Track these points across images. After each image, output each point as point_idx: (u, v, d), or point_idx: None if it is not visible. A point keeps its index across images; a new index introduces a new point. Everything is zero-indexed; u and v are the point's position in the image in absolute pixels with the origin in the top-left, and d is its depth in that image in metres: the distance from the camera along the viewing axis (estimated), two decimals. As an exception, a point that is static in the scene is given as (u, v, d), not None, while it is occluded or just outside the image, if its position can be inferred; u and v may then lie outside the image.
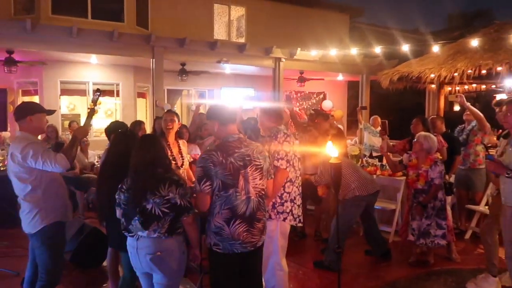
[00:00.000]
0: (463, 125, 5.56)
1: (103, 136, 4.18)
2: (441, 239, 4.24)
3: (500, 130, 5.16)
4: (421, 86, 7.94)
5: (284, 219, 3.19)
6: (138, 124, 4.98)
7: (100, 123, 9.52)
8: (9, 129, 7.71)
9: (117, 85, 10.19)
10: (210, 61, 9.42)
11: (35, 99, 9.34)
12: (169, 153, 3.64)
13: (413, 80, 7.40)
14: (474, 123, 5.30)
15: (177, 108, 12.17)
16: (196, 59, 9.31)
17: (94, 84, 9.74)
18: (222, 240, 2.47)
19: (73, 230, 4.36)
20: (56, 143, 6.23)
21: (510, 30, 6.52)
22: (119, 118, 9.81)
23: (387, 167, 5.48)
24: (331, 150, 2.76)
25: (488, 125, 5.21)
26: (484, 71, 6.23)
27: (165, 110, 4.90)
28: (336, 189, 2.88)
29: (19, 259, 4.33)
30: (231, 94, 11.53)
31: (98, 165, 5.84)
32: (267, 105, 3.46)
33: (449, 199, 4.74)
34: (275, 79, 10.22)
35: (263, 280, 3.01)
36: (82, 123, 3.28)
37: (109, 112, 10.66)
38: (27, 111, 2.95)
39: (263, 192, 2.62)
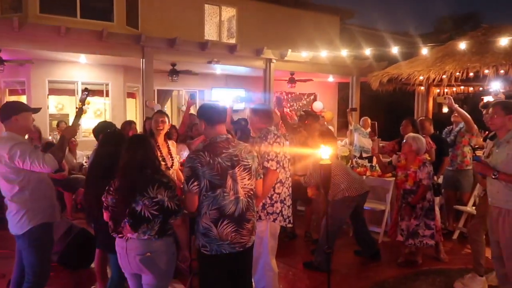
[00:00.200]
0: (451, 126, 5.63)
1: (92, 137, 4.13)
2: (429, 239, 4.28)
3: (487, 132, 5.24)
4: (410, 88, 8.05)
5: (274, 220, 3.20)
6: (129, 124, 4.95)
7: (89, 123, 9.42)
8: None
9: (107, 85, 10.10)
10: (201, 62, 9.40)
11: (23, 98, 9.20)
12: (159, 154, 3.61)
13: (403, 82, 7.50)
14: (461, 124, 5.37)
15: (167, 109, 12.11)
16: (187, 59, 9.28)
17: (83, 83, 9.64)
18: (210, 242, 2.46)
19: (60, 231, 4.30)
20: (47, 143, 6.16)
21: (497, 33, 6.63)
22: (108, 118, 9.73)
23: (377, 168, 5.53)
24: (321, 151, 2.77)
25: (475, 126, 5.28)
26: (471, 74, 6.34)
27: (155, 111, 4.87)
28: (326, 190, 2.89)
29: (5, 260, 4.25)
30: (221, 94, 11.52)
31: (87, 166, 5.78)
32: (258, 106, 3.46)
33: (437, 199, 4.79)
34: (266, 80, 10.24)
35: (253, 281, 3.01)
36: (70, 123, 3.24)
37: (98, 112, 10.56)
38: (12, 110, 2.90)
39: (252, 192, 2.61)
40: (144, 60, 8.45)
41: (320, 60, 10.40)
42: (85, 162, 7.07)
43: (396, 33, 20.46)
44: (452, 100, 5.18)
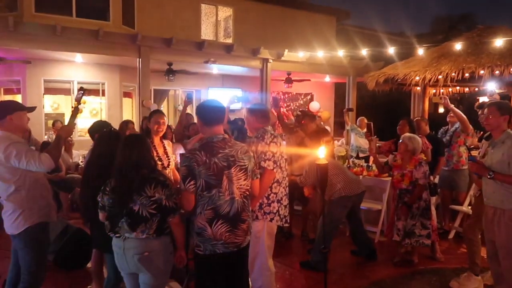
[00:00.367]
0: (447, 126, 5.66)
1: (88, 136, 4.11)
2: (426, 238, 4.30)
3: (482, 132, 5.27)
4: (407, 88, 8.07)
5: (271, 220, 3.20)
6: (126, 124, 4.92)
7: (85, 123, 9.38)
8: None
9: (103, 84, 10.05)
10: (197, 61, 9.37)
11: (18, 98, 9.14)
12: (155, 154, 3.61)
13: (399, 82, 7.52)
14: (457, 124, 5.40)
15: (163, 108, 12.08)
16: (183, 59, 9.26)
17: (79, 83, 9.59)
18: (204, 241, 2.46)
19: (57, 231, 4.29)
20: (44, 142, 6.13)
21: (492, 34, 6.68)
22: (104, 117, 9.69)
23: (374, 168, 5.54)
24: (317, 151, 2.77)
25: (470, 127, 5.31)
26: (467, 74, 6.37)
27: (152, 110, 4.85)
28: (322, 189, 2.90)
29: (1, 260, 4.24)
30: (218, 94, 11.51)
31: (83, 165, 5.76)
32: (254, 106, 3.45)
33: (433, 199, 4.81)
34: (263, 80, 10.23)
35: (249, 280, 3.01)
36: (66, 123, 3.22)
37: (94, 111, 10.51)
38: (7, 110, 2.88)
39: (247, 193, 2.61)
40: (140, 59, 8.42)
41: (316, 60, 10.41)
42: (81, 161, 7.04)
43: (392, 33, 20.57)
44: (448, 100, 5.21)
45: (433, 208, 4.61)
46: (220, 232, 2.45)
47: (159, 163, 3.58)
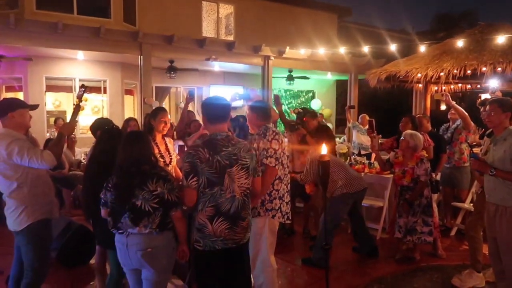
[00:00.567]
0: (448, 123, 5.65)
1: (89, 133, 4.13)
2: (427, 235, 4.30)
3: (484, 129, 5.26)
4: (408, 85, 8.05)
5: (273, 216, 3.20)
6: (127, 121, 4.92)
7: (87, 120, 9.39)
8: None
9: (104, 81, 10.06)
10: (199, 59, 9.37)
11: (20, 95, 9.15)
12: (157, 151, 3.61)
13: (401, 79, 7.50)
14: (458, 121, 5.39)
15: (165, 106, 12.08)
16: (185, 56, 9.25)
17: (80, 80, 9.58)
18: (203, 237, 2.47)
19: (59, 228, 4.31)
20: (47, 140, 6.18)
21: (494, 31, 6.66)
22: (106, 115, 9.70)
23: (375, 165, 5.54)
24: (319, 148, 2.77)
25: (472, 123, 5.30)
26: (469, 71, 6.35)
27: (153, 107, 4.85)
28: (324, 186, 2.90)
29: (4, 257, 4.24)
30: (220, 91, 11.51)
31: (85, 163, 5.77)
32: (256, 103, 3.45)
33: (435, 196, 4.81)
34: (264, 77, 10.22)
35: (251, 277, 3.02)
36: (68, 120, 3.23)
37: (96, 109, 10.51)
38: (8, 107, 2.89)
39: (248, 192, 2.62)
40: (142, 57, 8.42)
41: (318, 57, 10.40)
42: (83, 159, 7.06)
43: (393, 30, 20.51)
44: (449, 97, 5.20)
45: (434, 205, 4.61)
46: (220, 229, 2.46)
47: (161, 160, 3.58)
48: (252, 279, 3.06)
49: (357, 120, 8.75)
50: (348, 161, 6.31)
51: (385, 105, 16.08)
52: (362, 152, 8.15)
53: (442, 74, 6.60)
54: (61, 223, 4.38)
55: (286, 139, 3.37)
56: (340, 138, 10.31)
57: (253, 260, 3.07)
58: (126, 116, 7.14)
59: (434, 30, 21.11)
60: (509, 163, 2.99)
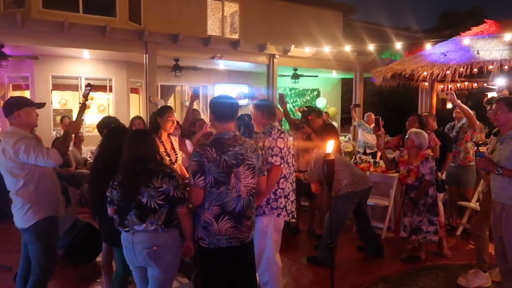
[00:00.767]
0: (453, 122, 5.61)
1: (96, 132, 4.15)
2: (433, 235, 4.29)
3: (490, 128, 5.22)
4: (414, 83, 8.00)
5: (278, 215, 3.21)
6: (132, 120, 4.94)
7: (93, 119, 9.44)
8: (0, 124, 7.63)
9: (110, 80, 10.11)
10: (204, 57, 9.38)
11: (26, 94, 9.23)
12: (163, 149, 3.63)
13: (406, 78, 7.45)
14: (464, 120, 5.35)
15: (170, 104, 12.12)
16: (190, 55, 9.27)
17: (86, 79, 9.64)
18: (208, 235, 2.48)
19: (66, 226, 4.34)
20: (55, 139, 6.24)
21: (500, 29, 6.58)
22: (111, 113, 9.75)
23: (381, 164, 5.52)
24: (324, 147, 2.77)
25: (477, 122, 5.26)
26: (475, 70, 6.29)
27: (159, 106, 4.87)
28: (329, 185, 2.89)
29: (11, 254, 4.29)
30: (225, 90, 11.52)
31: (91, 161, 5.81)
32: (261, 102, 3.46)
33: (441, 195, 4.79)
34: (269, 76, 10.21)
35: (257, 275, 3.03)
36: (74, 119, 3.25)
37: (101, 107, 10.57)
38: (15, 106, 2.92)
39: (253, 191, 2.63)
40: (147, 55, 8.45)
41: (323, 55, 10.37)
42: (90, 157, 7.10)
43: (399, 28, 20.40)
44: (455, 96, 5.16)
45: (440, 204, 4.59)
46: (225, 228, 2.48)
47: (167, 158, 3.60)
48: (257, 277, 3.07)
49: (363, 119, 8.72)
50: (353, 159, 6.30)
51: (390, 104, 16.02)
52: (368, 150, 8.13)
53: (448, 72, 6.55)
54: (68, 221, 4.41)
55: (291, 138, 3.37)
56: (345, 136, 10.29)
57: (258, 259, 3.08)
58: (132, 115, 7.16)
59: (440, 27, 20.97)
60: (515, 162, 2.97)
